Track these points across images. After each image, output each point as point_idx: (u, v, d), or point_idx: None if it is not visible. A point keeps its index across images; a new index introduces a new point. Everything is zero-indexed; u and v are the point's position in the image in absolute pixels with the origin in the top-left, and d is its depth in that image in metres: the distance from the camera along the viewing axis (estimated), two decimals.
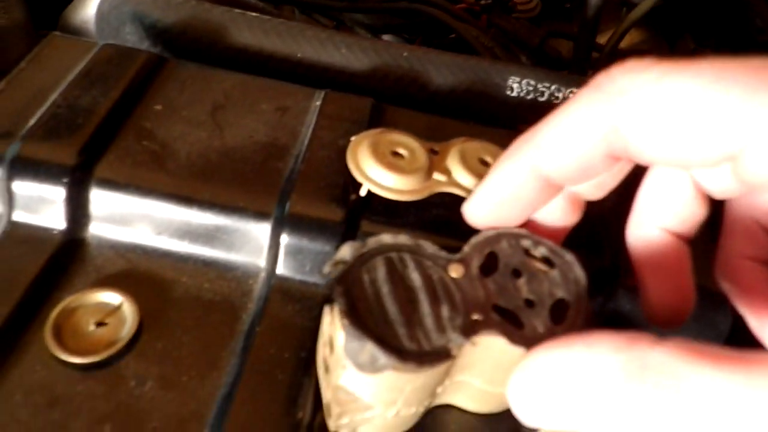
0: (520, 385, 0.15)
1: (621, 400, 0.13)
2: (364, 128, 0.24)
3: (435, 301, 0.16)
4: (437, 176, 0.22)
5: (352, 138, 0.23)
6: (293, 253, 0.22)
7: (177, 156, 0.23)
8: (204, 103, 0.25)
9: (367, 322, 0.15)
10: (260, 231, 0.22)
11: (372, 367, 0.15)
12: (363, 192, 0.22)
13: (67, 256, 0.22)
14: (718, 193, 0.18)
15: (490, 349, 0.16)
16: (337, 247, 0.20)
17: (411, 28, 0.42)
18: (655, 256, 0.19)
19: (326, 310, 0.17)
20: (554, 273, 0.17)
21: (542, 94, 0.30)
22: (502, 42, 0.39)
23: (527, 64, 0.40)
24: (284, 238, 0.22)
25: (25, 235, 0.22)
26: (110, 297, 0.20)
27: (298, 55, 0.29)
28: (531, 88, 0.30)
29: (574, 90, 0.30)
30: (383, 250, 0.17)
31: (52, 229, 0.22)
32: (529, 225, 0.19)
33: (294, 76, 0.29)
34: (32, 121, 0.23)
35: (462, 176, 0.22)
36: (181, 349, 0.20)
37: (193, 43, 0.29)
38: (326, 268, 0.16)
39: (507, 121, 0.29)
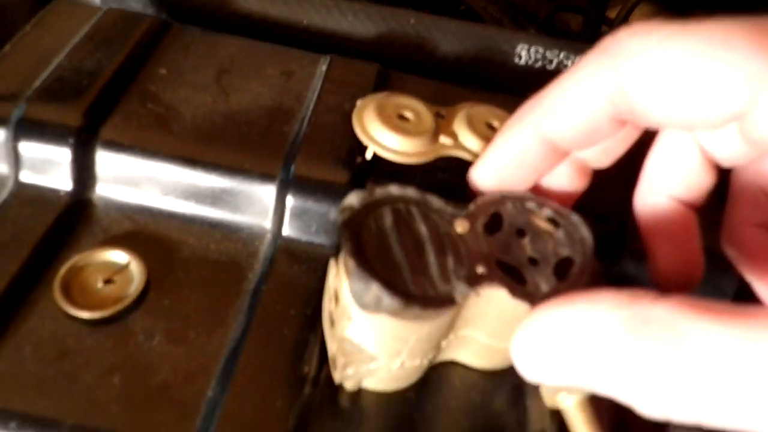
0: (523, 342, 0.15)
1: (622, 355, 0.13)
2: (369, 93, 0.24)
3: (441, 252, 0.16)
4: (443, 140, 0.22)
5: (358, 101, 0.23)
6: (299, 214, 0.22)
7: (182, 119, 0.23)
8: (209, 68, 0.25)
9: (373, 264, 0.15)
10: (266, 193, 0.22)
11: (376, 308, 0.15)
12: (369, 155, 0.22)
13: (74, 217, 0.22)
14: (726, 160, 0.18)
15: (493, 302, 0.16)
16: None
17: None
18: (663, 224, 0.19)
19: (332, 263, 0.17)
20: (559, 233, 0.17)
21: (551, 62, 0.30)
22: (510, 14, 0.39)
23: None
24: (290, 200, 0.22)
25: (32, 196, 0.22)
26: (117, 256, 0.21)
27: (304, 22, 0.29)
28: (539, 56, 0.29)
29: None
30: (391, 200, 0.17)
31: (59, 190, 0.22)
32: (535, 191, 0.19)
33: (299, 42, 0.29)
34: (37, 84, 0.23)
35: (469, 140, 0.22)
36: (188, 306, 0.20)
37: (198, 9, 0.29)
38: (333, 215, 0.16)
39: (515, 90, 0.29)
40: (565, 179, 0.20)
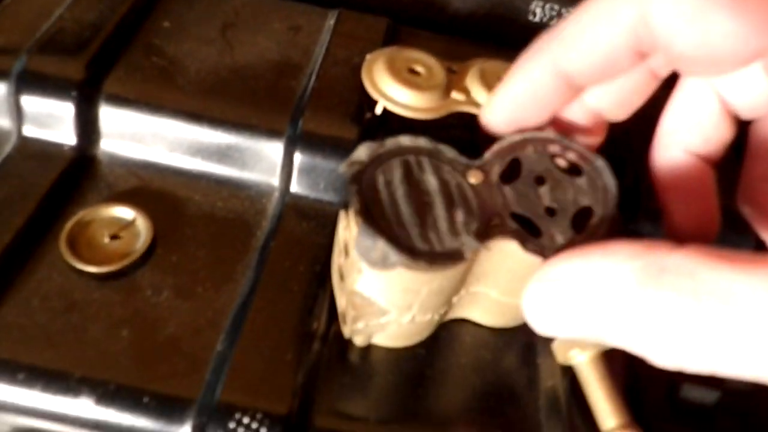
0: (535, 295, 0.15)
1: (639, 305, 0.13)
2: (378, 48, 0.23)
3: (450, 206, 0.16)
4: (455, 95, 0.22)
5: (368, 55, 0.22)
6: (307, 171, 0.21)
7: (187, 73, 0.23)
8: (214, 21, 0.25)
9: (380, 220, 0.15)
10: (273, 149, 0.22)
11: (383, 265, 0.14)
12: (378, 110, 0.21)
13: (79, 172, 0.21)
14: (746, 110, 0.18)
15: (505, 256, 0.16)
16: None
17: None
18: (679, 179, 0.18)
19: (342, 214, 0.17)
20: (581, 180, 0.17)
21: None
22: None
23: None
24: (297, 157, 0.21)
25: (36, 150, 0.21)
26: (124, 212, 0.20)
27: None
28: (554, 13, 0.28)
29: None
30: (401, 152, 0.16)
31: (63, 145, 0.22)
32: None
33: None
34: (38, 36, 0.22)
35: (481, 96, 0.22)
36: (195, 262, 0.20)
37: None
38: (342, 168, 0.16)
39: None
40: (581, 133, 0.19)
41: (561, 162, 0.17)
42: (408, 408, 0.17)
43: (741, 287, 0.12)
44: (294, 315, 0.18)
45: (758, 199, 0.19)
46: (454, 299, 0.18)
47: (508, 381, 0.18)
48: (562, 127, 0.19)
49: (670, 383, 0.19)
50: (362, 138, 0.21)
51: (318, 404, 0.17)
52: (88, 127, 0.22)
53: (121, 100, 0.22)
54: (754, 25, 0.14)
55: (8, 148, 0.21)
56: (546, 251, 0.16)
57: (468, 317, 0.19)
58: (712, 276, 0.12)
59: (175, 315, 0.18)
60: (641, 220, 0.22)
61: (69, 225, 0.20)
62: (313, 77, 0.23)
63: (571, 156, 0.17)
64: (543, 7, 0.28)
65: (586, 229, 0.16)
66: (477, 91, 0.22)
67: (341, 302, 0.17)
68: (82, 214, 0.20)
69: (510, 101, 0.18)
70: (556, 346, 0.17)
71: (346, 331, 0.17)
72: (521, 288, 0.17)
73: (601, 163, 0.17)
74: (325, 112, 0.22)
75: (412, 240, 0.15)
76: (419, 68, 0.22)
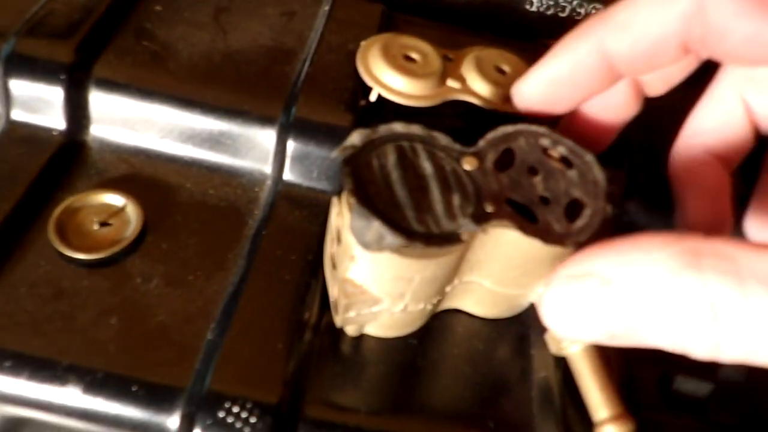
0: (561, 294, 0.14)
1: (679, 292, 0.12)
2: (373, 34, 0.23)
3: (446, 190, 0.15)
4: (451, 83, 0.21)
5: (363, 42, 0.22)
6: (300, 158, 0.21)
7: (179, 58, 0.22)
8: (206, 5, 0.24)
9: (375, 202, 0.15)
10: (266, 136, 0.21)
11: (377, 246, 0.14)
12: (373, 97, 0.21)
13: (69, 158, 0.21)
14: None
15: (501, 242, 0.16)
16: None
17: None
18: (698, 177, 0.19)
19: (334, 201, 0.16)
20: (572, 173, 0.17)
21: (563, 9, 0.28)
22: None
23: None
24: (291, 144, 0.21)
25: (24, 135, 0.21)
26: (114, 199, 0.20)
27: None
28: (552, 3, 0.28)
29: (597, 6, 0.28)
30: (395, 138, 0.16)
31: (52, 130, 0.21)
32: (579, 116, 0.19)
33: None
34: (28, 18, 0.22)
35: (477, 84, 0.21)
36: (186, 250, 0.19)
37: None
38: (335, 153, 0.16)
39: (525, 37, 0.27)
40: (618, 101, 0.19)
41: (552, 155, 0.17)
42: (400, 398, 0.17)
43: None
44: (285, 304, 0.18)
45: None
46: (447, 289, 0.17)
47: (501, 372, 0.18)
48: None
49: (663, 375, 0.19)
50: (356, 125, 0.21)
51: (309, 394, 0.17)
52: (77, 111, 0.21)
53: (111, 84, 0.21)
54: None
55: None
56: (546, 236, 0.15)
57: (461, 307, 0.19)
58: (753, 258, 0.12)
59: (165, 303, 0.18)
60: (635, 211, 0.22)
61: (58, 211, 0.19)
62: (307, 63, 0.22)
63: (562, 150, 0.17)
64: None
65: (581, 219, 0.16)
66: (473, 79, 0.22)
67: (333, 291, 0.17)
68: (71, 201, 0.20)
69: (548, 76, 0.18)
70: (549, 337, 0.17)
71: (338, 320, 0.17)
72: (516, 277, 0.17)
73: (590, 157, 0.17)
74: (319, 99, 0.21)
75: (407, 222, 0.15)
76: (415, 55, 0.21)
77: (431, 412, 0.17)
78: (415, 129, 0.16)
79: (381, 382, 0.18)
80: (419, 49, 0.22)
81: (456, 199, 0.15)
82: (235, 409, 0.16)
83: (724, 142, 0.19)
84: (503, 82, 0.22)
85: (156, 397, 0.16)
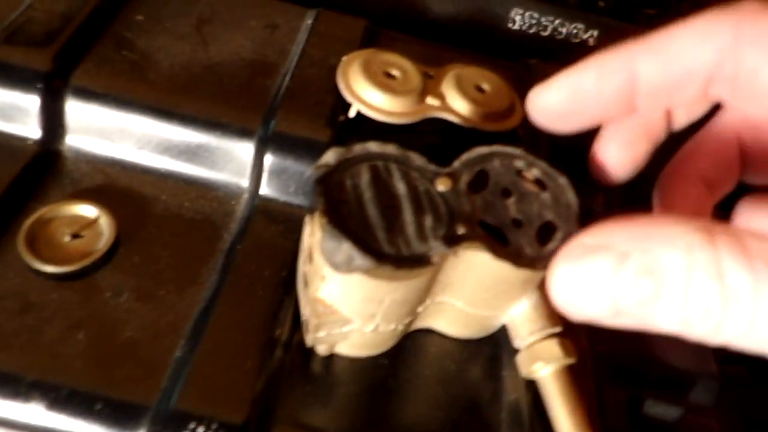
0: (568, 268, 0.13)
1: (692, 267, 0.12)
2: (356, 50, 0.23)
3: (419, 211, 0.15)
4: (430, 100, 0.21)
5: (344, 57, 0.22)
6: (277, 173, 0.21)
7: (158, 68, 0.22)
8: (189, 16, 0.24)
9: (347, 222, 0.15)
10: (244, 150, 0.21)
11: (347, 268, 0.14)
12: (352, 113, 0.21)
13: (43, 167, 0.21)
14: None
15: (473, 264, 0.16)
16: None
17: None
18: (684, 199, 0.19)
19: (307, 220, 0.16)
20: (545, 195, 0.17)
21: (545, 28, 0.29)
22: None
23: None
24: (268, 158, 0.21)
25: None
26: (87, 210, 0.20)
27: None
28: (534, 21, 0.28)
29: (578, 26, 0.29)
30: (369, 157, 0.16)
31: (27, 139, 0.21)
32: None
33: None
34: (6, 25, 0.22)
35: (456, 102, 0.22)
36: (159, 263, 0.19)
37: None
38: (309, 171, 0.16)
39: (507, 55, 0.28)
40: (656, 121, 0.18)
41: (526, 177, 0.17)
42: (370, 419, 0.17)
43: None
44: (257, 321, 0.18)
45: None
46: (420, 309, 0.17)
47: (472, 393, 0.18)
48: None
49: (632, 398, 0.19)
50: (335, 141, 0.21)
51: (278, 414, 0.17)
52: (53, 120, 0.21)
53: (88, 93, 0.21)
54: None
55: None
56: (517, 259, 0.15)
57: (434, 327, 0.19)
58: (761, 243, 0.12)
59: (135, 318, 0.18)
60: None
61: (28, 222, 0.19)
62: (288, 77, 0.22)
63: (536, 172, 0.17)
64: (523, 15, 0.28)
65: (553, 242, 0.16)
66: (452, 97, 0.22)
67: (305, 310, 0.17)
68: (43, 212, 0.19)
69: (573, 84, 0.17)
70: (520, 359, 0.17)
71: (309, 339, 0.17)
72: (487, 299, 0.17)
73: (564, 180, 0.17)
74: (298, 113, 0.21)
75: (378, 243, 0.15)
76: (395, 72, 0.21)
77: None
78: (390, 149, 0.16)
79: (351, 402, 0.17)
80: (400, 65, 0.22)
81: (428, 221, 0.15)
82: (201, 430, 0.15)
83: (716, 170, 0.19)
84: (482, 100, 0.22)
85: (120, 415, 0.16)
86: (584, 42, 0.29)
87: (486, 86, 0.22)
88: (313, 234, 0.15)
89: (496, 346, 0.19)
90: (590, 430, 0.16)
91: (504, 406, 0.18)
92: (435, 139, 0.22)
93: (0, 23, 0.22)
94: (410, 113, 0.21)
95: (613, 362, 0.19)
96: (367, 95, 0.21)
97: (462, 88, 0.22)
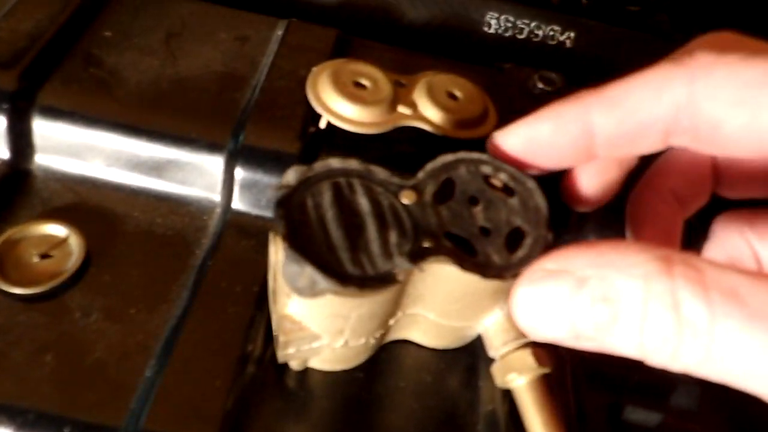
0: (529, 292, 0.14)
1: (648, 295, 0.12)
2: (327, 60, 0.23)
3: (383, 227, 0.15)
4: (402, 109, 0.21)
5: (313, 68, 0.22)
6: (248, 187, 0.21)
7: (127, 84, 0.22)
8: (158, 31, 0.24)
9: (308, 246, 0.14)
10: (214, 164, 0.21)
11: (311, 292, 0.14)
12: (322, 124, 0.21)
13: (11, 188, 0.20)
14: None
15: (441, 277, 0.15)
16: None
17: None
18: (656, 215, 0.19)
19: (271, 237, 0.16)
20: (513, 200, 0.16)
21: (521, 31, 0.28)
22: None
23: None
24: (239, 172, 0.21)
25: None
26: (56, 229, 0.20)
27: None
28: (510, 25, 0.28)
29: (555, 27, 0.29)
30: (331, 174, 0.16)
31: None
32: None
33: (261, 6, 0.27)
34: None
35: (428, 110, 0.21)
36: (129, 282, 0.19)
37: None
38: (270, 193, 0.15)
39: (484, 60, 0.28)
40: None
41: (494, 182, 0.17)
42: None
43: (747, 288, 0.12)
44: (228, 337, 0.18)
45: None
46: (391, 321, 0.17)
47: (448, 405, 0.18)
48: None
49: (612, 404, 0.18)
50: (305, 153, 0.21)
51: (250, 430, 0.16)
52: (21, 140, 0.21)
53: (56, 112, 0.21)
54: None
55: None
56: (484, 270, 0.15)
57: (409, 338, 0.19)
58: (718, 273, 0.12)
59: (104, 338, 0.17)
60: (588, 231, 0.22)
61: None
62: (258, 89, 0.22)
63: (503, 177, 0.17)
64: (498, 19, 0.28)
65: (522, 249, 0.16)
66: (424, 105, 0.21)
67: (275, 326, 0.17)
68: (11, 232, 0.19)
69: (528, 134, 0.17)
70: (494, 369, 0.17)
71: (279, 355, 0.17)
72: (458, 310, 0.17)
73: (532, 184, 0.17)
74: (268, 126, 0.21)
75: (342, 264, 0.14)
76: (365, 81, 0.21)
77: None
78: (353, 164, 0.16)
79: (326, 416, 0.17)
80: (370, 75, 0.21)
81: (393, 237, 0.15)
82: None
83: (687, 186, 0.19)
84: (454, 107, 0.22)
85: None
86: (561, 44, 0.29)
87: (459, 93, 0.22)
88: (277, 253, 0.15)
89: (472, 356, 0.19)
90: None
91: (481, 416, 0.18)
92: (407, 148, 0.21)
93: None
94: (381, 123, 0.21)
95: (592, 368, 0.19)
96: (336, 106, 0.21)
97: (434, 96, 0.22)
